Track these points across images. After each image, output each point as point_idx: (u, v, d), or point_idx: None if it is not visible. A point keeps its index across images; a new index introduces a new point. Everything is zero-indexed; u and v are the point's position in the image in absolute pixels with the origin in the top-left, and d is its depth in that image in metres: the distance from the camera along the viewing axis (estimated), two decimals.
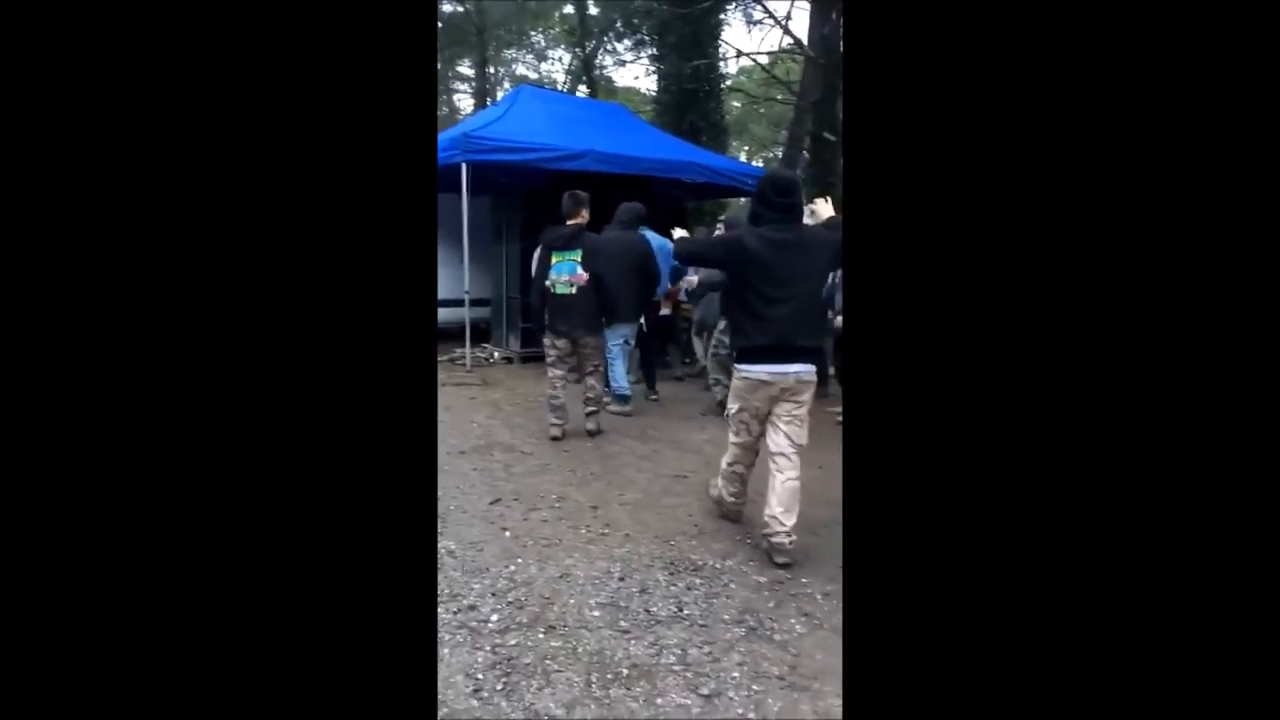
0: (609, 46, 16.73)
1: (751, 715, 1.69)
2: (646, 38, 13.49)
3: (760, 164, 18.99)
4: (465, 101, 22.52)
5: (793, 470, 2.51)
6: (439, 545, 2.58)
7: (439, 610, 2.11)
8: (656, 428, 4.41)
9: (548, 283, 4.06)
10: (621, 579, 2.36)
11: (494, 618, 2.09)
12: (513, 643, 1.95)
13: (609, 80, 18.67)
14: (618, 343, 4.68)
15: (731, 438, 2.68)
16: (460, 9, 18.06)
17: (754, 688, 1.79)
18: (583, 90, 16.80)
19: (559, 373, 4.11)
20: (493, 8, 18.29)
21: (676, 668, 1.86)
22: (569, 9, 17.59)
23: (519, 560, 2.48)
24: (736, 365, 2.60)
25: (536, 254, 4.27)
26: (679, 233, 3.30)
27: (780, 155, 13.39)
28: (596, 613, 2.14)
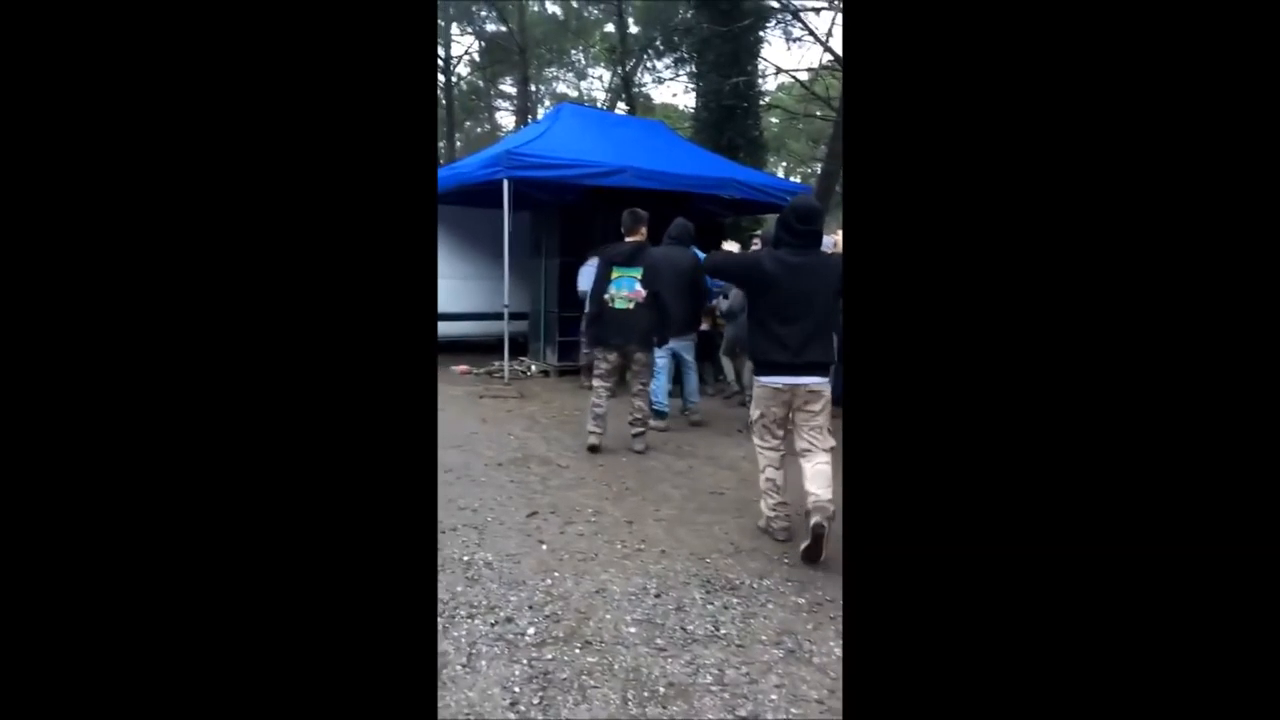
0: (648, 64, 16.92)
1: None
2: (686, 55, 13.60)
3: (798, 180, 18.96)
4: (507, 119, 22.98)
5: (822, 456, 2.69)
6: (476, 556, 2.60)
7: (476, 622, 2.13)
8: (692, 444, 4.39)
9: (606, 296, 4.08)
10: (657, 596, 2.35)
11: (530, 631, 2.09)
12: (549, 657, 1.96)
13: (648, 97, 18.89)
14: (664, 358, 4.70)
15: (758, 443, 2.89)
16: (503, 29, 18.46)
17: (792, 710, 1.76)
18: (622, 107, 16.97)
19: (607, 384, 4.13)
20: (535, 27, 18.66)
21: (714, 688, 1.84)
22: (609, 28, 17.85)
23: (555, 574, 2.49)
24: (755, 375, 2.87)
25: (591, 267, 4.30)
26: (730, 245, 3.36)
27: (819, 171, 13.32)
28: (633, 629, 2.13)
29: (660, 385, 4.71)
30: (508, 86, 22.23)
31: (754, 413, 2.88)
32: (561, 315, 6.76)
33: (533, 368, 6.98)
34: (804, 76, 13.67)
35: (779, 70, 12.72)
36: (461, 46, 20.27)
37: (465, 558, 2.60)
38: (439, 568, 2.47)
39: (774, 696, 1.81)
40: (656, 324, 4.14)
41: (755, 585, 2.45)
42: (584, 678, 1.86)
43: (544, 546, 2.74)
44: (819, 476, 2.63)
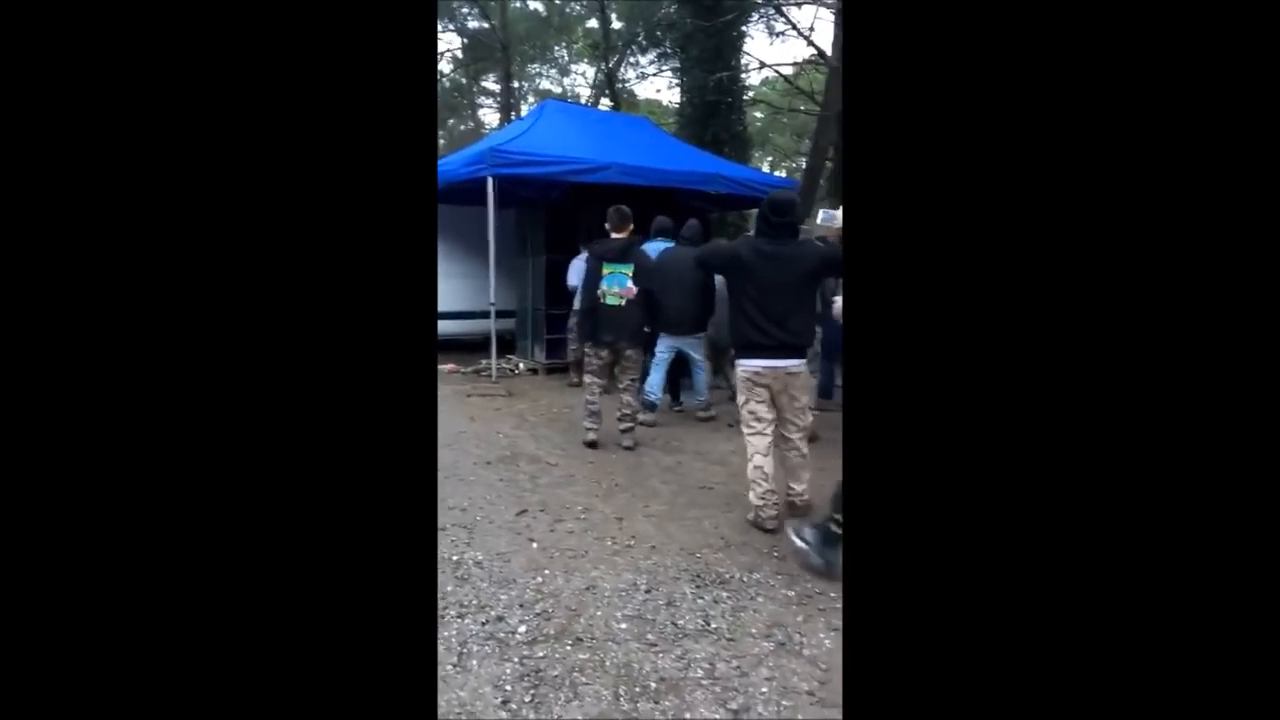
0: (632, 60, 16.86)
1: None
2: (669, 50, 13.58)
3: (783, 174, 19.00)
4: (490, 116, 22.85)
5: (796, 449, 2.97)
6: (466, 555, 2.60)
7: (467, 621, 2.12)
8: (680, 439, 4.40)
9: (598, 293, 4.08)
10: (648, 591, 2.35)
11: (521, 629, 2.09)
12: (540, 654, 1.96)
13: (632, 93, 18.82)
14: (665, 354, 4.74)
15: (745, 431, 3.00)
16: (485, 25, 18.34)
17: (783, 703, 1.77)
18: (606, 103, 16.93)
19: (600, 381, 4.15)
20: (517, 23, 18.55)
21: (705, 682, 1.85)
22: (592, 23, 17.79)
23: (546, 571, 2.49)
24: (736, 360, 3.03)
25: (580, 265, 4.31)
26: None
27: (803, 165, 13.35)
28: (623, 625, 2.13)
29: (655, 379, 4.74)
30: (491, 83, 22.09)
31: (739, 399, 3.02)
32: (548, 313, 6.74)
33: (520, 365, 6.95)
34: (787, 71, 13.70)
35: (763, 65, 12.77)
36: (444, 43, 20.11)
37: (455, 557, 2.59)
38: None
39: (765, 689, 1.82)
40: (647, 320, 4.16)
41: (745, 579, 2.46)
42: (575, 675, 1.87)
43: (534, 544, 2.74)
44: (793, 467, 2.99)
